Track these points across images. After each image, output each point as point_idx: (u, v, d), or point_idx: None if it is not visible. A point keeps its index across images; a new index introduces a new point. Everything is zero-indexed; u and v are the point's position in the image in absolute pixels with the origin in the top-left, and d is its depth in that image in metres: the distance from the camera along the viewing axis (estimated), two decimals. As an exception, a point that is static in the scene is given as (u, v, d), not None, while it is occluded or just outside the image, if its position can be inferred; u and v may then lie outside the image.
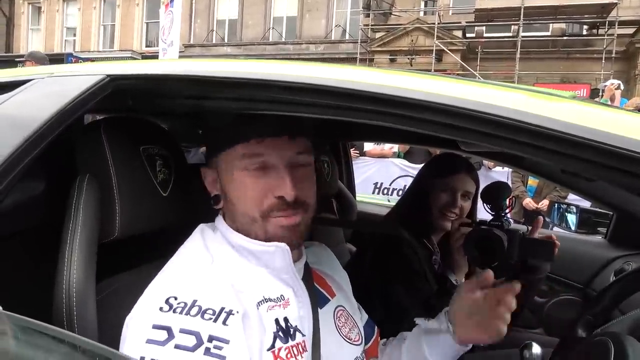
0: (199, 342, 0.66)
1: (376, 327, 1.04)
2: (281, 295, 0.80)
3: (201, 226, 0.86)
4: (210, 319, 0.68)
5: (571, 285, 1.76)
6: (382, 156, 5.96)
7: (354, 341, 0.91)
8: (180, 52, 8.06)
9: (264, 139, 0.79)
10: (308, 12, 16.93)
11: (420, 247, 1.50)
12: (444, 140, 1.47)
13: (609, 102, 6.29)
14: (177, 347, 0.65)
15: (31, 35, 20.24)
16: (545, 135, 0.55)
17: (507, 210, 1.37)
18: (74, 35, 20.10)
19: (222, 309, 0.70)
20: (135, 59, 18.44)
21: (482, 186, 1.49)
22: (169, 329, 0.66)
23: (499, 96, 0.62)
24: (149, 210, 0.91)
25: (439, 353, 0.92)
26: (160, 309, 0.69)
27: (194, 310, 0.68)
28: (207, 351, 0.65)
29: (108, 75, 0.78)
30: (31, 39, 20.14)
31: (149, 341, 0.65)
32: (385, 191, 5.65)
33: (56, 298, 0.71)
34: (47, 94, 0.78)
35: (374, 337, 1.02)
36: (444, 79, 0.69)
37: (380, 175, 5.73)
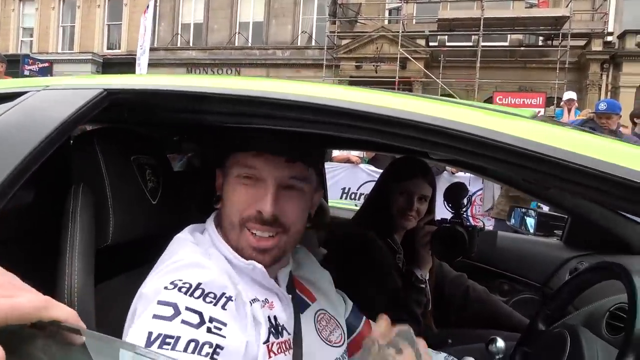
0: (202, 321, 0.70)
1: (364, 318, 1.09)
2: (266, 298, 0.85)
3: (189, 227, 0.88)
4: (211, 302, 0.73)
5: (530, 284, 1.88)
6: (348, 161, 6.07)
7: (334, 343, 0.95)
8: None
9: (262, 153, 0.83)
10: (274, 17, 16.95)
11: (384, 245, 1.58)
12: (414, 149, 1.56)
13: (565, 112, 6.65)
14: (183, 322, 0.69)
15: (-16, 35, 19.40)
16: (505, 150, 0.63)
17: (465, 209, 1.52)
18: (31, 36, 19.38)
19: (223, 294, 0.75)
20: (96, 61, 17.98)
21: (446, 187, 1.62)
22: (175, 305, 0.70)
23: (466, 115, 0.70)
24: (140, 218, 0.94)
25: None
26: (165, 287, 0.73)
27: (198, 293, 0.73)
28: (209, 330, 0.70)
29: (105, 90, 0.81)
30: (-16, 38, 19.30)
31: (156, 316, 0.69)
32: (353, 196, 5.75)
33: (58, 302, 0.73)
34: (45, 107, 0.80)
35: (360, 328, 1.06)
36: (417, 99, 0.77)
37: (348, 181, 5.83)
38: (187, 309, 0.71)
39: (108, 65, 17.59)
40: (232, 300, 0.76)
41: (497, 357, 1.16)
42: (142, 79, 0.86)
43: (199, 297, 0.73)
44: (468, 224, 1.46)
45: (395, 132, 0.70)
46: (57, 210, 0.83)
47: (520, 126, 0.66)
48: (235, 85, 0.84)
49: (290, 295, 0.90)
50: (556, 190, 1.74)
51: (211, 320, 0.72)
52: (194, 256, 0.81)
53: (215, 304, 0.74)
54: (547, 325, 1.01)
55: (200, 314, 0.71)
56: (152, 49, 16.73)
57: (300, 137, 0.85)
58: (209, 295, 0.74)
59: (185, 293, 0.72)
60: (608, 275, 0.89)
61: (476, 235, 1.40)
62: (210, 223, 0.90)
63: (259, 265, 0.83)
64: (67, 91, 0.84)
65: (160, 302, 0.71)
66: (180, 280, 0.74)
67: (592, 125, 4.77)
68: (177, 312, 0.70)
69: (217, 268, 0.80)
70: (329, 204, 2.55)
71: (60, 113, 0.77)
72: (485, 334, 1.58)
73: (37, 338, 0.52)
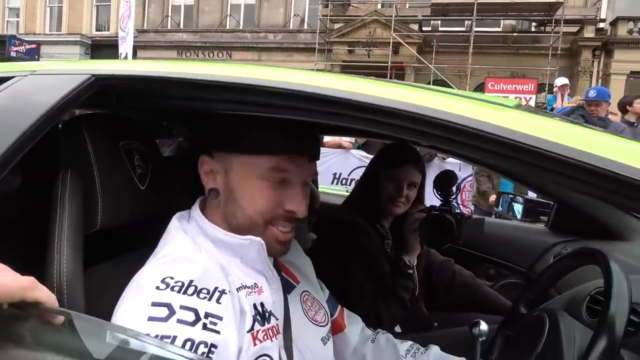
0: (198, 318, 0.71)
1: (339, 307, 1.13)
2: (255, 283, 0.86)
3: (177, 215, 0.89)
4: (205, 297, 0.74)
5: (515, 269, 1.92)
6: (339, 147, 6.07)
7: (320, 323, 0.99)
8: (133, 37, 7.87)
9: (293, 157, 0.84)
10: (266, 0, 16.75)
11: (373, 231, 1.60)
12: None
13: (557, 98, 6.68)
14: (178, 321, 0.70)
15: (-31, 14, 18.99)
16: (489, 140, 0.65)
17: (453, 197, 1.55)
18: (17, 16, 19.00)
19: (216, 288, 0.76)
20: (85, 43, 17.69)
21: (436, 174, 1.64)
22: (169, 305, 0.71)
23: (451, 104, 0.71)
24: (129, 203, 0.95)
25: None
26: (157, 287, 0.73)
27: (191, 290, 0.73)
28: (205, 326, 0.71)
29: (93, 75, 0.81)
30: (-31, 18, 18.89)
31: (151, 318, 0.70)
32: (344, 181, 5.77)
33: (47, 286, 0.74)
34: (33, 92, 0.80)
35: (337, 313, 1.11)
36: (409, 89, 0.78)
37: (339, 166, 5.83)
38: (181, 307, 0.71)
39: (97, 47, 17.32)
40: (225, 293, 0.77)
41: (480, 339, 1.19)
42: (131, 64, 0.85)
43: (193, 294, 0.73)
44: (456, 211, 1.48)
45: (383, 121, 0.71)
46: (45, 196, 0.83)
47: (503, 116, 0.67)
48: (227, 72, 0.83)
49: (280, 278, 0.92)
50: (540, 178, 1.77)
51: (207, 315, 0.72)
52: (185, 250, 0.81)
53: (209, 299, 0.74)
54: (528, 309, 1.04)
55: (195, 311, 0.72)
56: (141, 31, 16.54)
57: (312, 133, 0.86)
58: (202, 291, 0.74)
59: (179, 292, 0.73)
60: (587, 260, 0.92)
61: (464, 223, 1.43)
62: (196, 210, 0.90)
63: (257, 239, 0.84)
64: (55, 76, 0.84)
65: (154, 304, 0.71)
66: (171, 278, 0.74)
67: (582, 112, 4.81)
68: (172, 312, 0.70)
69: (207, 260, 0.80)
70: (320, 190, 2.57)
71: (48, 98, 0.77)
72: (470, 317, 1.61)
73: (19, 318, 0.54)
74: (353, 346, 1.13)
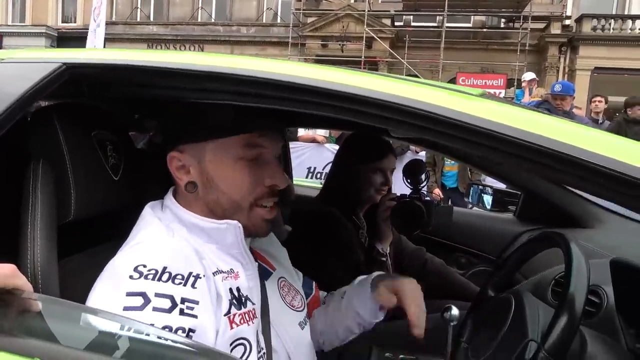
0: (174, 304, 0.72)
1: (314, 284, 1.15)
2: (231, 269, 0.86)
3: (149, 204, 0.89)
4: (180, 283, 0.74)
5: (485, 257, 1.98)
6: (314, 141, 6.09)
7: (297, 308, 1.00)
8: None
9: (264, 132, 0.86)
10: (239, -7, 16.57)
11: (349, 222, 1.64)
12: (377, 127, 1.61)
13: (525, 92, 6.86)
14: (154, 309, 0.70)
15: None
16: (458, 127, 0.67)
17: (423, 184, 1.61)
18: (-22, 6, 18.24)
19: (190, 273, 0.76)
20: (51, 35, 17.14)
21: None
22: (143, 294, 0.71)
23: (427, 94, 0.74)
24: (102, 194, 0.94)
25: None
26: (130, 277, 0.72)
27: (165, 277, 0.73)
28: (182, 312, 0.72)
29: (64, 64, 0.80)
30: None
31: (127, 308, 0.70)
32: (319, 175, 5.78)
33: None
34: (1, 82, 0.78)
35: (312, 294, 1.13)
36: (384, 78, 0.80)
37: (313, 160, 5.84)
38: (156, 295, 0.71)
39: (64, 40, 16.80)
40: (200, 278, 0.77)
41: (452, 323, 1.23)
42: (103, 53, 0.85)
43: (167, 281, 0.73)
44: (426, 199, 1.54)
45: (359, 110, 0.73)
46: (16, 187, 0.82)
47: (467, 103, 0.70)
48: (201, 61, 0.83)
49: (256, 263, 0.93)
50: (509, 166, 1.83)
51: (183, 301, 0.73)
52: (158, 235, 0.81)
53: (184, 284, 0.74)
54: (496, 292, 1.08)
55: (171, 297, 0.72)
56: (109, 23, 16.09)
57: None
58: (177, 277, 0.74)
59: (153, 279, 0.73)
60: (550, 243, 0.96)
61: (433, 209, 1.47)
62: (169, 198, 0.90)
63: (234, 222, 0.85)
64: (24, 64, 0.83)
65: (128, 294, 0.71)
66: (144, 266, 0.74)
67: (547, 106, 4.96)
68: (147, 301, 0.71)
69: (181, 245, 0.81)
70: (294, 182, 2.59)
71: (16, 88, 0.75)
72: (442, 304, 1.66)
73: None
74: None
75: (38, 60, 0.83)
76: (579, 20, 14.35)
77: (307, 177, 5.68)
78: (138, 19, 17.29)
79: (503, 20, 15.51)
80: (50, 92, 0.80)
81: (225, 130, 0.85)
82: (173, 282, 0.74)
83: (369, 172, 1.64)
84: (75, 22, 17.36)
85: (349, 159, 1.72)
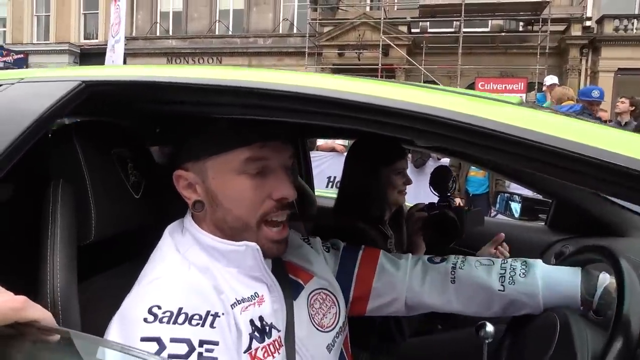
0: (191, 349, 0.67)
1: (352, 283, 1.05)
2: (255, 292, 0.82)
3: (169, 228, 0.85)
4: (198, 324, 0.69)
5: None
6: (333, 150, 6.06)
7: (326, 328, 0.94)
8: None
9: (266, 143, 0.81)
10: (255, 5, 16.74)
11: (376, 232, 1.57)
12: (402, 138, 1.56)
13: (548, 96, 6.72)
14: (170, 356, 0.66)
15: (-45, 25, 18.82)
16: (490, 136, 0.63)
17: (451, 191, 1.57)
18: (4, 26, 18.84)
19: (208, 312, 0.71)
20: (74, 52, 17.57)
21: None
22: (158, 340, 0.66)
23: (453, 102, 0.69)
24: (124, 213, 0.92)
25: None
26: (145, 319, 0.68)
27: (181, 318, 0.69)
28: (200, 356, 0.67)
29: (83, 82, 0.78)
30: (-45, 29, 18.72)
31: None
32: (339, 184, 5.74)
33: (40, 302, 0.71)
34: (21, 101, 0.77)
35: (351, 298, 1.05)
36: (402, 87, 0.76)
37: (333, 169, 5.80)
38: (172, 340, 0.67)
39: (86, 56, 17.21)
40: (219, 316, 0.73)
41: (487, 341, 1.17)
42: (122, 69, 0.83)
43: (184, 323, 0.69)
44: (455, 206, 1.49)
45: (383, 121, 0.69)
46: (36, 207, 0.80)
47: (507, 112, 0.65)
48: (221, 76, 0.80)
49: (279, 284, 0.87)
50: (540, 175, 1.75)
51: (201, 343, 0.68)
52: (173, 271, 0.76)
53: (202, 325, 0.70)
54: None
55: (188, 342, 0.67)
56: (130, 39, 16.45)
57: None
58: (194, 317, 0.70)
59: (168, 322, 0.68)
60: (594, 258, 0.90)
61: (464, 216, 1.42)
62: (188, 219, 0.87)
63: (252, 244, 0.80)
64: (43, 83, 0.81)
65: (143, 339, 0.67)
66: (159, 307, 0.69)
67: (589, 111, 4.82)
68: (162, 347, 0.66)
69: (198, 280, 0.76)
70: (317, 194, 2.54)
71: (37, 106, 0.74)
72: (474, 318, 1.60)
73: (12, 338, 0.51)
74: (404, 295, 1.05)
75: (57, 78, 0.81)
76: (600, 21, 14.06)
77: (327, 187, 5.64)
78: (157, 34, 17.60)
79: (521, 23, 15.29)
80: (70, 110, 0.78)
81: (224, 145, 0.80)
82: (190, 323, 0.69)
83: (390, 173, 1.59)
84: (97, 38, 17.76)
85: (366, 164, 1.63)
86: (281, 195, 0.81)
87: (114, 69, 0.82)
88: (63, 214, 0.78)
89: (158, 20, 17.63)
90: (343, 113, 0.72)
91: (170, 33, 17.63)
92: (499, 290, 0.99)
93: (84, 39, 18.19)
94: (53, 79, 0.81)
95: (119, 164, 0.93)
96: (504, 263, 1.03)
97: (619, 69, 13.72)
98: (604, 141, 0.59)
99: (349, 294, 1.06)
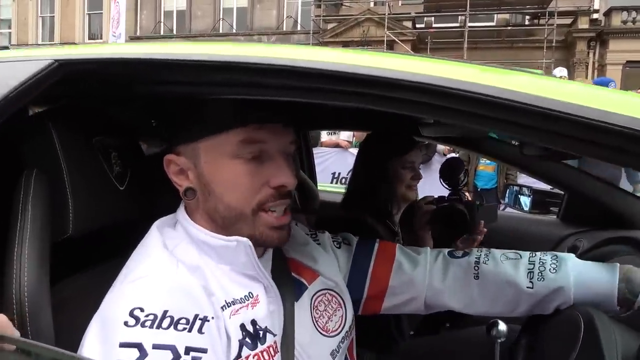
0: (176, 356, 0.60)
1: (367, 282, 0.98)
2: (249, 292, 0.75)
3: (158, 222, 0.78)
4: (185, 329, 0.62)
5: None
6: (337, 146, 5.99)
7: (331, 332, 0.86)
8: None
9: (263, 124, 0.73)
10: (259, 2, 16.69)
11: (383, 228, 1.51)
12: (404, 127, 1.48)
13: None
14: None
15: (-39, 27, 18.93)
16: (524, 110, 0.55)
17: (462, 183, 1.50)
18: (9, 27, 18.92)
19: (196, 316, 0.64)
20: (77, 52, 17.61)
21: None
22: (139, 346, 0.59)
23: (477, 74, 0.61)
24: (106, 206, 0.85)
25: None
26: (125, 323, 0.61)
27: (166, 322, 0.62)
28: None
29: (56, 60, 0.71)
30: (-39, 31, 18.84)
31: None
32: (343, 180, 5.67)
33: (6, 302, 0.64)
34: (-16, 82, 0.70)
35: (364, 298, 0.98)
36: (420, 59, 0.67)
37: (338, 165, 5.75)
38: (154, 347, 0.59)
39: (90, 56, 17.24)
40: (208, 320, 0.65)
41: (499, 340, 1.09)
42: (99, 48, 0.75)
43: (169, 327, 0.61)
44: (466, 200, 1.40)
45: (391, 97, 0.61)
46: (4, 200, 0.73)
47: (538, 83, 0.57)
48: (211, 51, 0.72)
49: (279, 282, 0.80)
50: (553, 164, 1.67)
51: (188, 351, 0.61)
52: (158, 270, 0.69)
53: (190, 330, 0.63)
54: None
55: (172, 348, 0.60)
56: (134, 38, 16.46)
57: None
58: (180, 321, 0.63)
59: (151, 327, 0.61)
60: (620, 250, 0.82)
61: (475, 210, 1.34)
62: (181, 212, 0.79)
63: (243, 239, 0.73)
64: (12, 64, 0.73)
65: (122, 344, 0.59)
66: (141, 310, 0.62)
67: None
68: (144, 354, 0.59)
69: (185, 281, 0.69)
70: (320, 188, 2.48)
71: (2, 88, 0.67)
72: (483, 316, 1.53)
73: None
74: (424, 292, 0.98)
75: (26, 58, 0.74)
76: (607, 14, 13.86)
77: (331, 183, 5.58)
78: (162, 33, 17.59)
79: (527, 17, 15.12)
80: (41, 93, 0.71)
81: (218, 125, 0.73)
82: (176, 328, 0.62)
83: (398, 167, 1.52)
84: (101, 38, 17.77)
85: (375, 157, 1.58)
86: (279, 183, 0.74)
87: (92, 47, 0.75)
88: (35, 206, 0.71)
89: (162, 20, 17.61)
90: (346, 89, 0.64)
91: (174, 32, 17.60)
92: (527, 287, 0.90)
93: (89, 39, 18.22)
94: (21, 59, 0.74)
95: (101, 153, 0.86)
96: (532, 256, 0.94)
97: (627, 61, 13.52)
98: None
99: (363, 293, 0.98)
